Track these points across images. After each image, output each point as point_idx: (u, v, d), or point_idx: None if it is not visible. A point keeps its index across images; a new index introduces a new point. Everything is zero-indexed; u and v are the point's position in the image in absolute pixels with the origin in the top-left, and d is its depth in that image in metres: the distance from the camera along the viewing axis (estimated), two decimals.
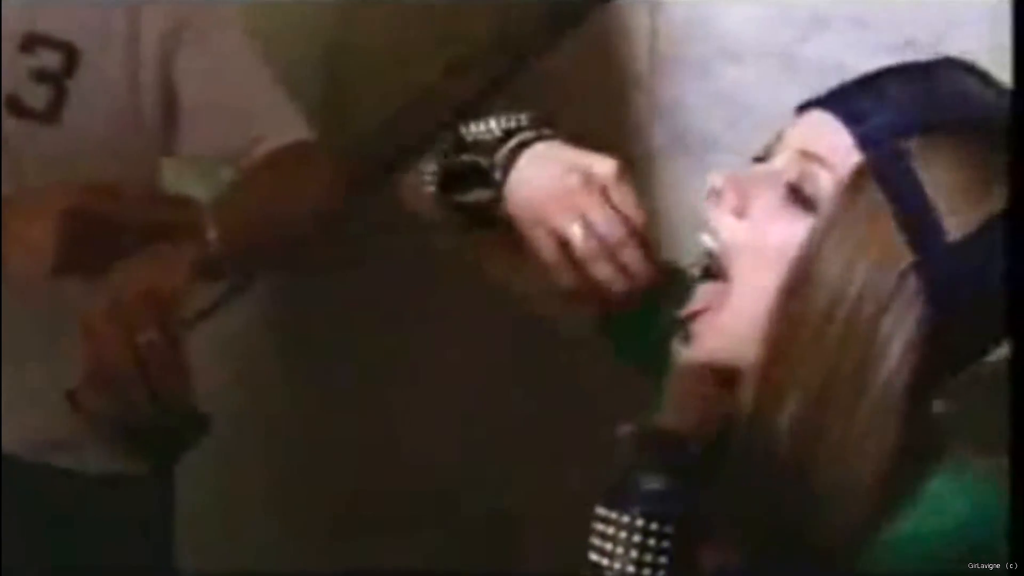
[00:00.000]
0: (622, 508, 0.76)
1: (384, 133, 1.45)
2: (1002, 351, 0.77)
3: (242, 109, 1.20)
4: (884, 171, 0.74)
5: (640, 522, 0.75)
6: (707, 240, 0.80)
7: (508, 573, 1.49)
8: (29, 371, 1.11)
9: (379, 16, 1.47)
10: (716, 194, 0.79)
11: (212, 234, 1.00)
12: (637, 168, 1.37)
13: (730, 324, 0.79)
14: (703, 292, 0.80)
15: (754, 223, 0.78)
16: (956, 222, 0.73)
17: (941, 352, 0.74)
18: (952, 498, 0.74)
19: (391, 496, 1.58)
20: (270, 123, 1.21)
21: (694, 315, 0.80)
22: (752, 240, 0.78)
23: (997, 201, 0.73)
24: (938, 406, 0.78)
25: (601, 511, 0.77)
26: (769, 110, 1.26)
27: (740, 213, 0.78)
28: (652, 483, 0.76)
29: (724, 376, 0.80)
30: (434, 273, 1.41)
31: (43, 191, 0.99)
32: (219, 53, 1.20)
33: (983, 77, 0.78)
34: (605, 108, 1.37)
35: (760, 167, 0.80)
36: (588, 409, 1.33)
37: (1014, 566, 0.67)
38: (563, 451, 1.42)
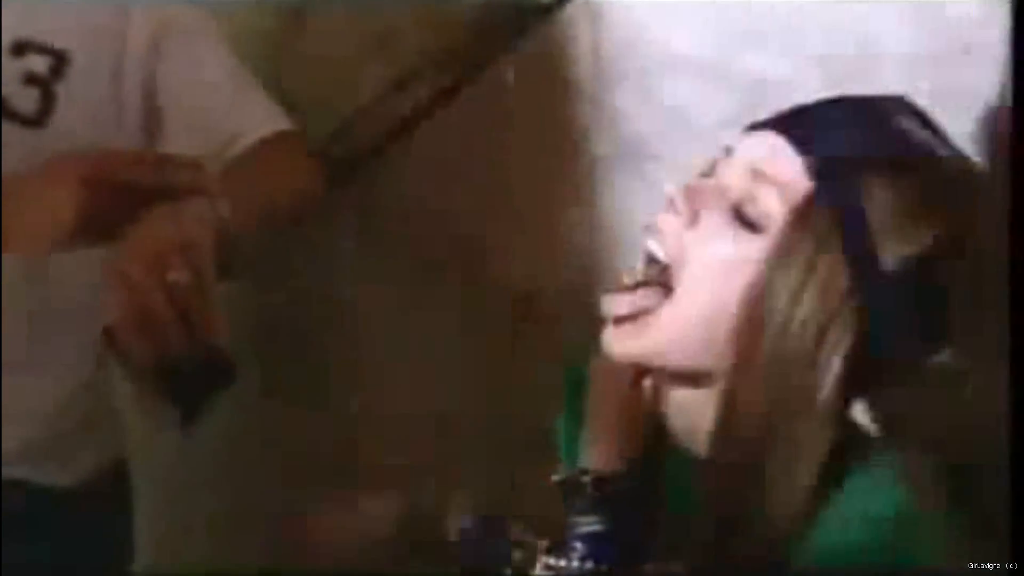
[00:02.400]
0: (563, 555, 0.79)
1: (332, 144, 1.46)
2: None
3: (222, 108, 1.21)
4: (834, 198, 0.76)
5: (577, 564, 0.78)
6: (653, 245, 0.82)
7: None
8: None
9: (325, 30, 1.47)
10: (669, 202, 0.80)
11: (222, 199, 0.99)
12: (581, 176, 1.41)
13: (665, 328, 0.81)
14: (642, 294, 0.82)
15: (702, 235, 0.79)
16: (890, 253, 0.75)
17: (871, 369, 0.77)
18: (869, 493, 0.76)
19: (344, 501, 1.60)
20: (251, 118, 1.22)
21: (633, 315, 0.82)
22: (698, 251, 0.79)
23: (926, 239, 0.76)
24: (861, 408, 0.80)
25: (544, 559, 0.80)
26: (704, 121, 1.30)
27: (690, 223, 0.80)
28: (589, 526, 0.79)
29: (641, 400, 0.83)
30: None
31: (60, 160, 0.97)
32: (198, 59, 1.21)
33: (923, 118, 0.80)
34: (550, 118, 1.40)
35: (712, 181, 0.81)
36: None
37: (1014, 566, 0.68)
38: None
